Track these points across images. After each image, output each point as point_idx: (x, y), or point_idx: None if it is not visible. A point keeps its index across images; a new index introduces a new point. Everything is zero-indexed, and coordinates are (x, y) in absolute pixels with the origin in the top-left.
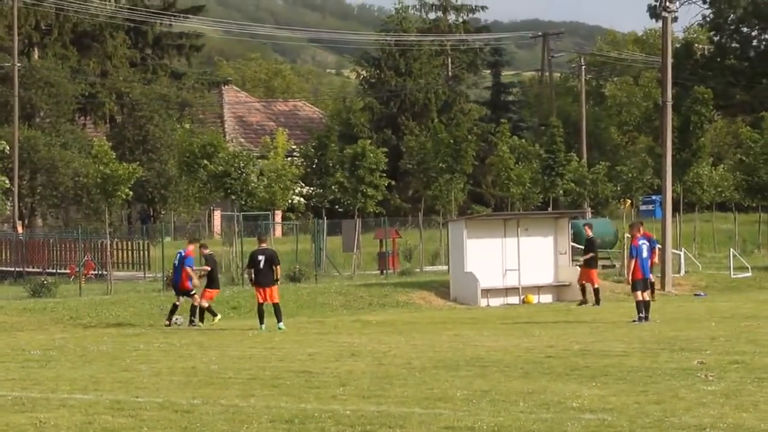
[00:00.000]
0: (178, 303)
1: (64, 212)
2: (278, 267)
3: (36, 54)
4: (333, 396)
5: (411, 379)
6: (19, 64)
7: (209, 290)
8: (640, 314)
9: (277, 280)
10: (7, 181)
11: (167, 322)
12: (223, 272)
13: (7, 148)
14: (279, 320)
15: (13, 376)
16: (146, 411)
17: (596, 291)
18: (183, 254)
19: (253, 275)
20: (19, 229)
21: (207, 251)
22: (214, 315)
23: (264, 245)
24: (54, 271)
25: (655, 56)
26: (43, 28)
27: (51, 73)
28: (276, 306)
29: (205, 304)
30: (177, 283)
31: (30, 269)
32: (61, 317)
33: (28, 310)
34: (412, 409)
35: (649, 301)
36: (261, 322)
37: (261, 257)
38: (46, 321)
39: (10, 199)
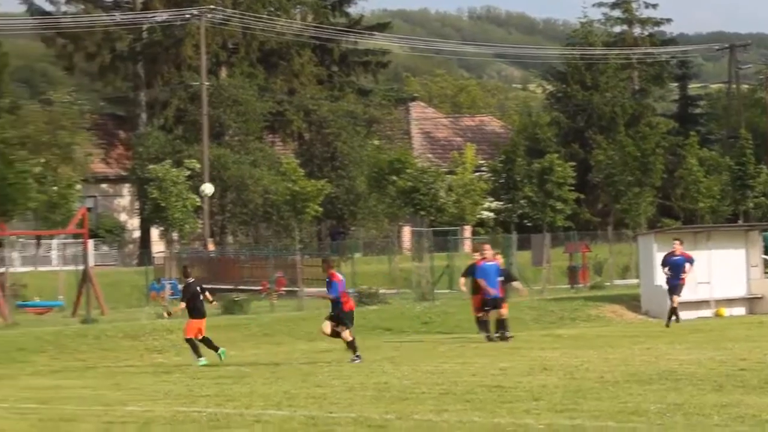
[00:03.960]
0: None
1: (254, 229)
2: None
3: (224, 73)
4: (526, 410)
5: (604, 392)
6: (207, 83)
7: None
8: None
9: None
10: (198, 199)
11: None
12: (414, 288)
13: (198, 166)
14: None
15: (208, 393)
16: (340, 426)
17: None
18: None
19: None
20: (210, 247)
21: (189, 279)
22: (198, 355)
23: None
24: (246, 288)
25: None
26: (231, 47)
27: (239, 92)
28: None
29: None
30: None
31: (222, 286)
32: (253, 333)
33: (221, 327)
34: (605, 423)
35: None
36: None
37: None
38: (238, 337)
39: (201, 217)
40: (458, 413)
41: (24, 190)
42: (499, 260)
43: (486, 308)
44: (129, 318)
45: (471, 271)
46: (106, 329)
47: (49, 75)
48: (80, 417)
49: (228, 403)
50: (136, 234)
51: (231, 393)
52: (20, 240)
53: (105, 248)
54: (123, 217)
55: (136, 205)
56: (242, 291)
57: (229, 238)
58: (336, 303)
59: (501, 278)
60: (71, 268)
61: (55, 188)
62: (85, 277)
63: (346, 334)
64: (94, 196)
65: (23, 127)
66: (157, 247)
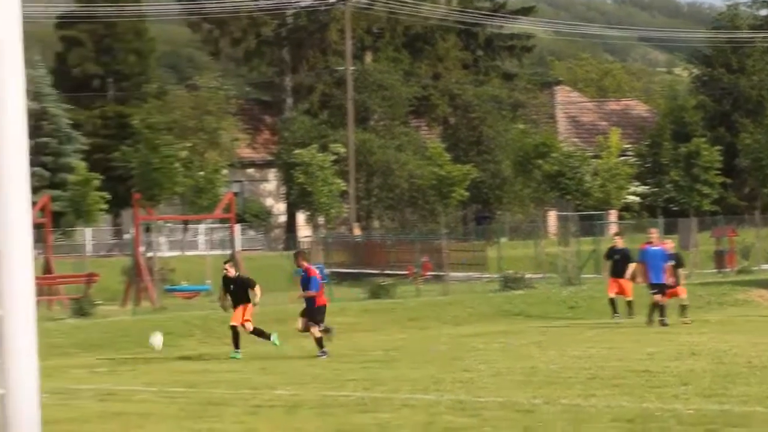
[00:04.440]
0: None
1: (399, 214)
2: (631, 265)
3: (369, 57)
4: (674, 395)
5: (752, 378)
6: (352, 68)
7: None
8: None
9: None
10: (344, 184)
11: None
12: (560, 272)
13: (343, 150)
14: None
15: (355, 377)
16: (487, 411)
17: None
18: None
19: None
20: (356, 231)
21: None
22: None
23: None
24: (392, 272)
25: None
26: (375, 31)
27: (384, 76)
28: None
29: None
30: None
31: (368, 271)
32: (399, 318)
33: (368, 311)
34: (753, 408)
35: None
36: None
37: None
38: (385, 322)
39: (347, 201)
40: (606, 398)
41: (170, 175)
42: (668, 245)
43: (654, 292)
44: (276, 302)
45: (610, 255)
46: (253, 313)
47: (195, 60)
48: (228, 401)
49: (375, 388)
50: (282, 219)
51: (378, 377)
52: (167, 225)
53: (251, 233)
54: (269, 201)
55: (282, 190)
56: (388, 275)
57: (375, 223)
58: (311, 298)
59: (671, 263)
60: (218, 252)
61: (201, 173)
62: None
63: (315, 330)
64: (241, 181)
65: (170, 112)
66: (303, 231)
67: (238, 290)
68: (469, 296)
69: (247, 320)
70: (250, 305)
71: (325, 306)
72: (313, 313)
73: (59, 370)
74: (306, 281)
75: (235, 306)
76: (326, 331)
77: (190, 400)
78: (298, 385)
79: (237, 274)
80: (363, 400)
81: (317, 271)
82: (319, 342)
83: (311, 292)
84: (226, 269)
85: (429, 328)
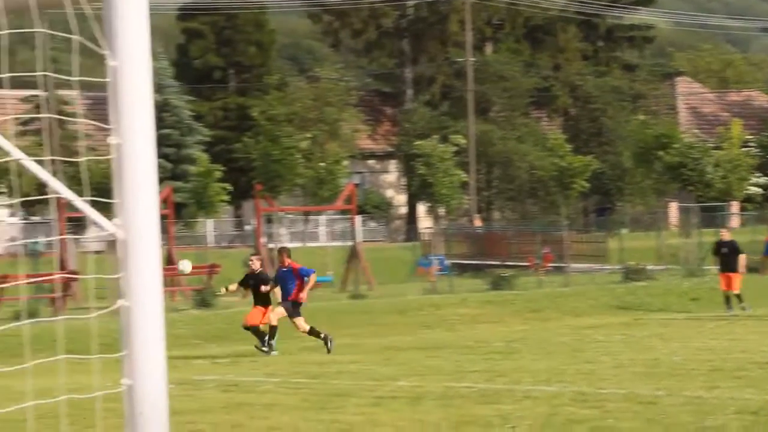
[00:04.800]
0: None
1: (520, 205)
2: (742, 257)
3: (489, 49)
4: None
5: None
6: (473, 59)
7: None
8: None
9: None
10: (465, 175)
11: None
12: (681, 264)
13: (464, 142)
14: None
15: (477, 368)
16: (610, 402)
17: None
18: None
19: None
20: (477, 223)
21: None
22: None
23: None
24: (513, 263)
25: None
26: (495, 22)
27: (504, 68)
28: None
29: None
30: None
31: (489, 262)
32: (520, 309)
33: (489, 302)
34: None
35: None
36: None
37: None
38: (506, 313)
39: (468, 192)
40: (729, 390)
41: (291, 166)
42: None
43: None
44: (397, 293)
45: (718, 249)
46: (374, 304)
47: (315, 52)
48: (351, 392)
49: (497, 379)
50: (403, 210)
51: (500, 368)
52: (288, 216)
53: (372, 224)
54: (389, 193)
55: (403, 181)
56: (509, 267)
57: (496, 214)
58: (285, 294)
59: None
60: (339, 243)
61: (322, 164)
62: (353, 253)
63: (272, 318)
64: (362, 172)
65: (290, 103)
66: (424, 222)
67: (256, 287)
68: (591, 288)
69: (265, 322)
70: (271, 307)
71: (300, 303)
72: (291, 309)
73: (182, 360)
74: (290, 278)
75: (255, 303)
76: (325, 339)
77: (313, 391)
78: (419, 376)
79: (260, 270)
80: (485, 391)
81: (299, 268)
82: (272, 332)
83: (314, 282)
84: (251, 261)
85: (550, 319)
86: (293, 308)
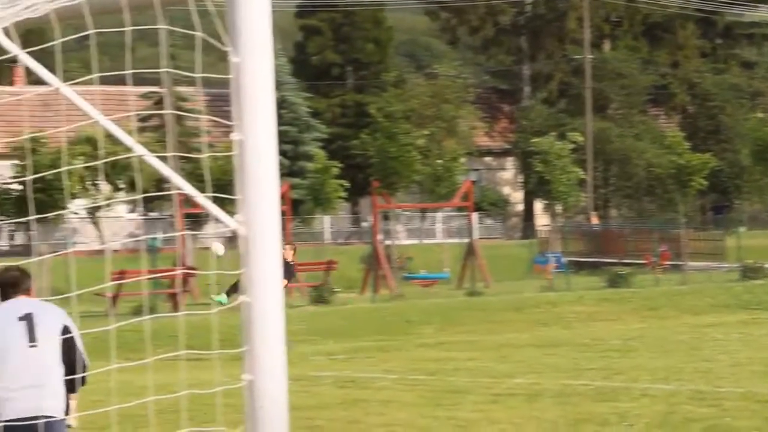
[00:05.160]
0: None
1: (637, 203)
2: None
3: (607, 46)
4: None
5: None
6: (591, 57)
7: None
8: None
9: None
10: (582, 173)
11: None
12: None
13: (581, 139)
14: None
15: (594, 366)
16: (728, 401)
17: None
18: None
19: None
20: (594, 220)
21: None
22: None
23: None
24: (630, 261)
25: None
26: (614, 20)
27: (622, 65)
28: None
29: None
30: None
31: (606, 259)
32: (637, 307)
33: (606, 300)
34: None
35: None
36: None
37: None
38: (623, 311)
39: (585, 190)
40: None
41: (408, 163)
42: None
43: None
44: (513, 290)
45: None
46: (491, 301)
47: (432, 48)
48: (467, 389)
49: (614, 377)
50: (520, 207)
51: (617, 366)
52: (405, 213)
53: (489, 221)
54: (506, 190)
55: (520, 178)
56: (626, 264)
57: (613, 212)
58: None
59: None
60: (455, 240)
61: (439, 161)
62: (470, 250)
63: None
64: (478, 169)
65: (408, 100)
66: (541, 220)
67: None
68: (708, 286)
69: None
70: None
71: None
72: None
73: (299, 356)
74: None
75: None
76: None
77: (429, 387)
78: (536, 373)
79: (290, 260)
80: (602, 389)
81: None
82: None
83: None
84: (285, 249)
85: (667, 317)
86: None
